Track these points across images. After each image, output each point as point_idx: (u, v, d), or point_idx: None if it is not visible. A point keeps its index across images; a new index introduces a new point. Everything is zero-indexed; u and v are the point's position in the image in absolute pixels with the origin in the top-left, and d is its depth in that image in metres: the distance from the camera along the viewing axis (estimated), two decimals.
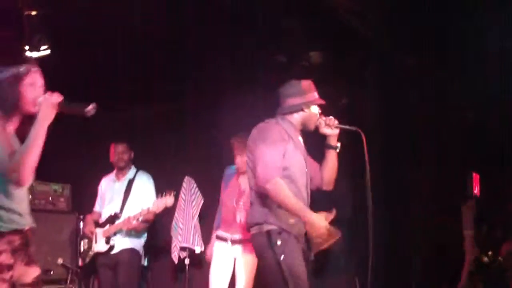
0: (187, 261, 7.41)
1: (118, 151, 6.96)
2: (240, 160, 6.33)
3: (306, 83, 4.88)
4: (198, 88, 7.88)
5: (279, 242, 4.41)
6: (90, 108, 3.64)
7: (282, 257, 4.37)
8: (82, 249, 6.86)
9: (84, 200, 7.47)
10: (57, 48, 6.82)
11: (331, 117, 4.89)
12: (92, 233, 6.77)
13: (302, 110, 4.79)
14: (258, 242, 4.56)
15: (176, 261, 7.57)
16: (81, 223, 7.22)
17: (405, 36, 6.84)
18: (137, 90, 7.95)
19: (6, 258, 3.42)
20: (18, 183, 3.48)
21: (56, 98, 3.59)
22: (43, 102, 3.56)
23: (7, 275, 3.42)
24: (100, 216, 6.95)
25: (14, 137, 3.62)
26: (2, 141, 3.49)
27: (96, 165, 7.48)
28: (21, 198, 3.62)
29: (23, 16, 6.40)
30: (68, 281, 7.20)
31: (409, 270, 7.22)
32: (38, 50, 6.72)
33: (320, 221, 4.35)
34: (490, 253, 7.05)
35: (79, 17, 6.57)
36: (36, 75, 3.72)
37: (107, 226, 6.70)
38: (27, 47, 6.72)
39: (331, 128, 4.89)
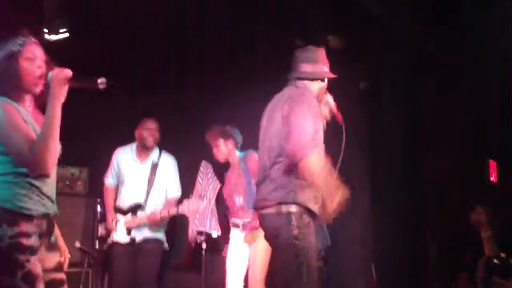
0: (204, 245, 7.39)
1: (150, 127, 6.60)
2: (217, 151, 6.52)
3: (323, 52, 4.72)
4: (219, 75, 7.89)
5: (299, 224, 4.25)
6: (101, 81, 3.49)
7: (299, 242, 4.22)
8: (99, 234, 6.69)
9: (101, 183, 7.47)
10: (77, 32, 6.83)
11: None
12: (114, 221, 6.60)
13: (322, 80, 4.63)
14: (275, 222, 4.33)
15: (193, 245, 7.57)
16: (98, 206, 7.11)
17: (424, 21, 6.80)
18: (157, 74, 7.96)
19: (35, 241, 3.39)
20: (44, 175, 3.42)
21: (66, 73, 3.39)
22: (53, 79, 3.37)
23: (37, 257, 3.41)
24: (113, 192, 6.74)
25: (31, 121, 3.49)
26: (20, 130, 3.37)
27: (114, 148, 7.45)
28: (51, 184, 3.56)
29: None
30: (86, 265, 7.19)
31: (426, 257, 7.19)
32: (57, 34, 6.72)
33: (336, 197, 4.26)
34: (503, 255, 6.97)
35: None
36: (34, 47, 3.54)
37: (129, 216, 6.50)
38: (46, 30, 6.72)
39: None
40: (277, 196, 4.33)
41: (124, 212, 6.57)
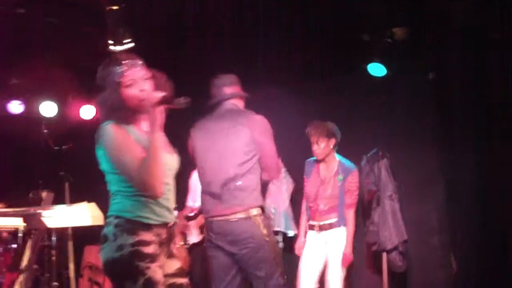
0: (281, 245, 7.40)
1: None
2: (317, 147, 6.36)
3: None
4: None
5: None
6: (182, 101, 3.55)
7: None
8: None
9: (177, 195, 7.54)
10: (140, 40, 6.89)
11: None
12: (184, 226, 6.72)
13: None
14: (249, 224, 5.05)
15: None
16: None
17: (488, 8, 6.66)
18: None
19: (154, 249, 3.56)
20: (152, 196, 3.54)
21: (155, 96, 3.52)
22: (146, 104, 3.53)
23: (158, 264, 3.59)
24: (191, 210, 6.93)
25: (143, 137, 3.61)
26: (127, 151, 3.51)
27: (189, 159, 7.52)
28: (169, 194, 3.73)
29: (105, 11, 6.48)
30: None
31: (506, 244, 7.05)
32: (122, 44, 6.78)
33: None
34: None
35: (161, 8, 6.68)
36: (132, 73, 3.61)
37: (199, 218, 6.70)
38: (110, 42, 6.79)
39: None
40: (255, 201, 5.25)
41: (193, 217, 6.81)
